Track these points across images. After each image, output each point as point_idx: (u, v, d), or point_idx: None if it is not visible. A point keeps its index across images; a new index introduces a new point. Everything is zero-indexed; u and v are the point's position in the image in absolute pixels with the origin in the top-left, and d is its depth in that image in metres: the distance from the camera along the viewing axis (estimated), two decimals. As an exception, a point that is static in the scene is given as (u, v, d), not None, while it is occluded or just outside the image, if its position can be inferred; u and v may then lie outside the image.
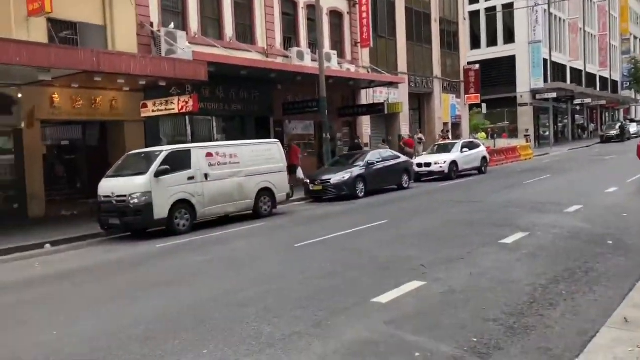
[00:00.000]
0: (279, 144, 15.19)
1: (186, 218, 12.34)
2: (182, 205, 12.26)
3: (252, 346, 5.03)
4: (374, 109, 24.85)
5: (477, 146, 23.69)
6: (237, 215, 14.07)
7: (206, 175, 12.76)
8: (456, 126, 34.28)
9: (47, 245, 11.46)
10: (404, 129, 28.79)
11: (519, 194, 15.46)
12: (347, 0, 25.65)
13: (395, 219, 12.47)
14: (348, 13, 25.75)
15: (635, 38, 73.09)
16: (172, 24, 17.79)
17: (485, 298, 6.07)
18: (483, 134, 31.78)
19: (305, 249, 9.59)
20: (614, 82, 64.32)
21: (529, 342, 4.80)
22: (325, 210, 15.20)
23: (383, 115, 26.55)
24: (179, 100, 15.32)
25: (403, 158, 19.92)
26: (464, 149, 22.46)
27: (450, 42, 34.27)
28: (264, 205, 14.12)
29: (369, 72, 25.99)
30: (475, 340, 4.86)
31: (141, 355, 5.03)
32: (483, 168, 23.20)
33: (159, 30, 17.43)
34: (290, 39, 23.00)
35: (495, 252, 8.44)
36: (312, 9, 22.31)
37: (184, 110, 15.34)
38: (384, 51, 28.42)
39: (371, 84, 24.91)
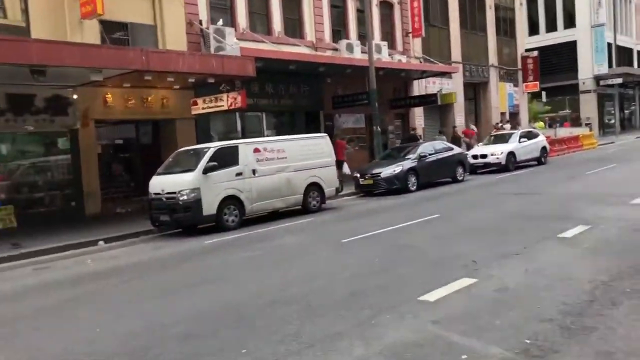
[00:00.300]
0: (327, 138, 14.99)
1: (235, 214, 12.34)
2: (231, 201, 12.27)
3: (292, 346, 4.85)
4: (427, 100, 24.26)
5: (536, 136, 22.72)
6: (286, 210, 13.98)
7: (254, 171, 12.72)
8: (514, 115, 33.08)
9: (101, 242, 11.72)
10: (459, 120, 28.01)
11: (580, 185, 14.68)
12: (397, -10, 25.13)
13: (448, 213, 12.05)
14: (399, 3, 25.23)
15: None
16: (221, 20, 17.89)
17: (541, 296, 5.66)
18: (541, 123, 30.53)
19: (353, 245, 9.35)
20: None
21: (589, 344, 4.40)
22: (375, 204, 14.90)
23: (437, 106, 25.90)
24: (227, 96, 15.38)
25: (457, 150, 19.32)
26: (522, 139, 21.58)
27: (506, 29, 33.08)
28: (312, 200, 13.98)
29: (420, 62, 25.41)
30: (528, 342, 4.50)
31: (179, 353, 4.95)
32: (543, 158, 22.23)
33: (207, 28, 17.57)
34: (339, 31, 22.74)
35: (553, 246, 7.95)
36: (361, 0, 21.95)
37: (232, 107, 15.40)
38: (437, 40, 27.70)
39: (423, 74, 24.31)
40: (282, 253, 9.29)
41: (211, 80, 15.62)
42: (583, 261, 7.01)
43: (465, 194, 15.37)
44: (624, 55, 45.16)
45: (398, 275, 6.99)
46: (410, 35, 25.47)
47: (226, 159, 12.28)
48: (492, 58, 31.23)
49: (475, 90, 31.20)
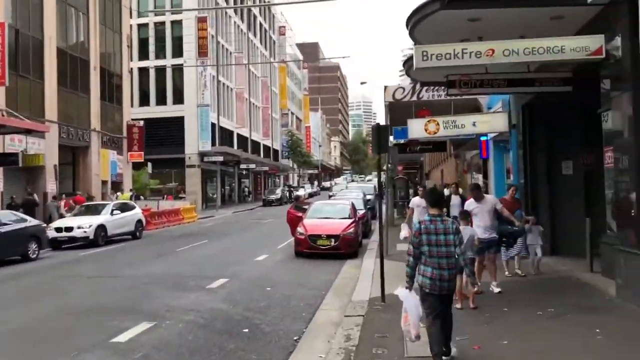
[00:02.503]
0: None
1: None
2: None
3: None
4: (5, 160, 20.33)
5: (132, 208, 21.26)
6: None
7: None
8: (117, 185, 31.28)
9: None
10: (50, 186, 24.55)
11: (166, 266, 13.52)
12: (-25, 26, 20.89)
13: (-14, 310, 9.02)
14: (-24, 42, 20.92)
15: (292, 114, 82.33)
16: None
17: None
18: (127, 194, 29.52)
19: None
20: (275, 151, 70.28)
21: None
22: None
23: (23, 168, 22.07)
24: None
25: (33, 222, 16.13)
26: (115, 212, 19.72)
27: (112, 94, 31.56)
28: None
29: (3, 115, 21.34)
30: None
31: None
32: (138, 232, 20.76)
33: None
34: None
35: (98, 359, 6.07)
36: None
37: None
38: (28, 94, 24.05)
39: (1, 129, 20.36)
40: None
41: None
42: (125, 384, 5.31)
43: (29, 278, 12.39)
44: (226, 135, 49.11)
45: None
46: (-8, 82, 21.33)
47: None
48: (95, 122, 29.02)
49: (75, 155, 28.31)
